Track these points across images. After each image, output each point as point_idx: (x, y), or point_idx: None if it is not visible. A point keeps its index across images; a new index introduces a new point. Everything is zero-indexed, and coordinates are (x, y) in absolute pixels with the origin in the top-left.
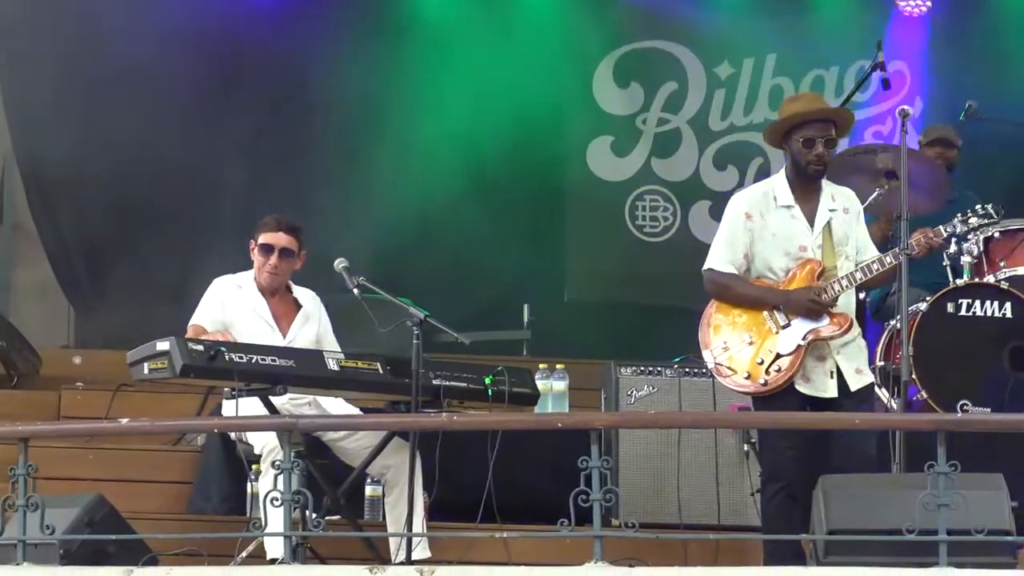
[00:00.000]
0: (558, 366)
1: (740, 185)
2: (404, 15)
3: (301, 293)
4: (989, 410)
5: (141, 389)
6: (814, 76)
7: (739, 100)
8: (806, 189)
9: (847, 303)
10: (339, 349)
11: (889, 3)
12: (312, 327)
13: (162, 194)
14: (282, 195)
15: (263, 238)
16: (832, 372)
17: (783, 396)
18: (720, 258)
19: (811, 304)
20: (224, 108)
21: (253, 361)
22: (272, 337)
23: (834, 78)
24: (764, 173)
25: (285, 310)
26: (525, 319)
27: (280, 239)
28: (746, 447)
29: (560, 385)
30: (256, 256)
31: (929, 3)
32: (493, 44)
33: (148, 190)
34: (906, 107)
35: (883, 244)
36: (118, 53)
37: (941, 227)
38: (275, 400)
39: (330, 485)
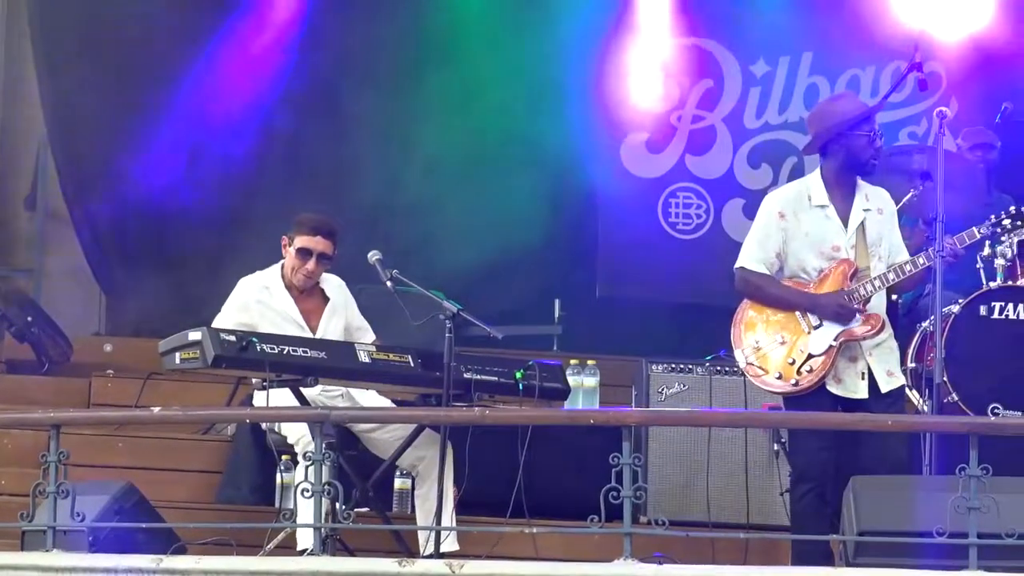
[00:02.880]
0: (589, 362)
1: (774, 184)
2: (440, 6)
3: (328, 283)
4: (1021, 414)
5: (171, 378)
6: (850, 75)
7: (774, 98)
8: (842, 189)
9: (878, 304)
10: (369, 329)
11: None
12: (340, 319)
13: (195, 182)
14: (315, 187)
15: (301, 241)
16: (863, 373)
17: (814, 396)
18: (752, 257)
19: (840, 310)
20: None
21: (284, 352)
22: (301, 335)
23: (870, 78)
24: (798, 172)
25: (314, 305)
26: (556, 314)
27: (318, 244)
28: (776, 446)
29: (591, 381)
30: (292, 258)
31: None
32: (528, 37)
33: (181, 177)
34: (944, 108)
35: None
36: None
37: (975, 228)
38: (308, 392)
39: (359, 477)
